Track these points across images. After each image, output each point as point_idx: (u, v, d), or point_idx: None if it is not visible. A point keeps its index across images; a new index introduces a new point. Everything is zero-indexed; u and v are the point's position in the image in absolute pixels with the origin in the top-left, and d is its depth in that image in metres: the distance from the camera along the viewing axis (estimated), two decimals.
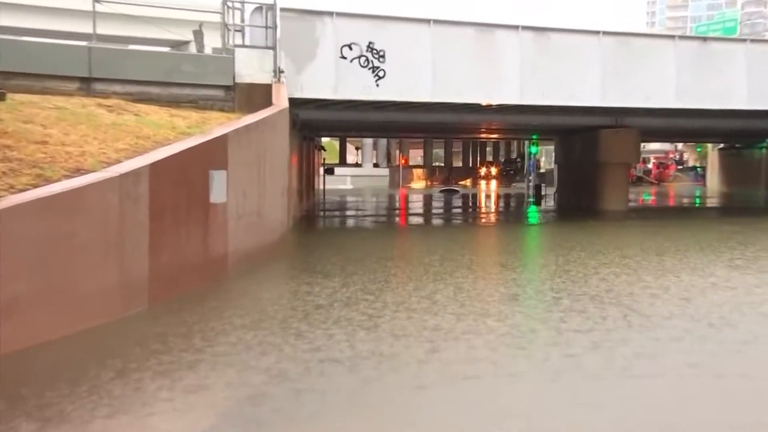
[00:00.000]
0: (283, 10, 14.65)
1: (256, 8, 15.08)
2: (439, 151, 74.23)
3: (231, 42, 14.47)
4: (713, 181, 45.08)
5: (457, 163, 71.95)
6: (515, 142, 67.61)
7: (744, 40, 20.52)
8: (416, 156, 74.72)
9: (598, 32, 18.36)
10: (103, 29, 15.66)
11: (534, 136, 33.64)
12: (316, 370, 5.45)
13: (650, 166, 68.41)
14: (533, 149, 35.51)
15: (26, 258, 5.90)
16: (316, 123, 23.07)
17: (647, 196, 38.63)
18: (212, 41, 16.92)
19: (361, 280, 9.42)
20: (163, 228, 7.81)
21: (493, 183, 59.25)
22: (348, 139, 61.62)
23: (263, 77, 13.99)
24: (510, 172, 61.28)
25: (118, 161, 7.73)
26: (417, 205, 33.47)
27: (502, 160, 69.94)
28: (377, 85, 16.50)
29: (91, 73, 12.52)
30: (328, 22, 16.10)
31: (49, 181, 6.65)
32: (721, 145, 42.17)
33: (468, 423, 4.54)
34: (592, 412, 4.78)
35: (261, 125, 11.23)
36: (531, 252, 14.52)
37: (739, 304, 7.98)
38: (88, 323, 6.42)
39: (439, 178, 63.04)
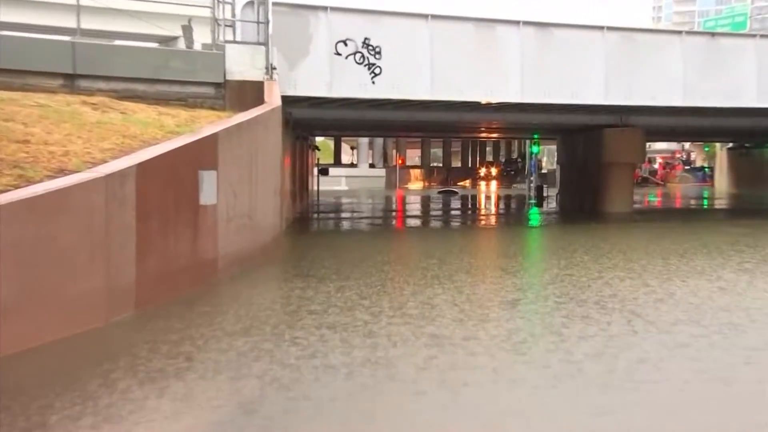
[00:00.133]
0: (275, 4, 14.64)
1: (248, 3, 15.09)
2: (437, 151, 74.24)
3: (221, 38, 14.47)
4: (721, 181, 45.23)
5: (456, 163, 71.99)
6: (516, 142, 67.67)
7: (754, 36, 20.56)
8: (413, 156, 74.72)
9: (602, 28, 18.42)
10: (88, 24, 15.63)
11: (535, 136, 33.65)
12: (310, 376, 5.45)
13: (656, 166, 68.58)
14: (534, 149, 35.53)
15: (6, 262, 5.89)
16: (309, 122, 23.09)
17: (653, 198, 38.71)
18: (202, 37, 16.91)
19: (356, 285, 9.42)
20: (151, 230, 7.80)
21: (493, 184, 59.32)
22: (343, 138, 61.64)
23: (255, 74, 13.99)
24: (510, 172, 61.37)
25: (104, 161, 7.72)
26: (414, 206, 33.49)
27: (503, 160, 70.03)
28: (373, 83, 16.52)
29: (75, 70, 12.51)
30: (322, 17, 16.12)
31: (31, 181, 6.64)
32: (730, 145, 42.30)
33: (467, 429, 4.56)
34: (593, 416, 4.79)
35: (252, 124, 11.23)
36: (532, 255, 14.54)
37: (748, 309, 8.00)
38: (72, 329, 6.41)
39: (438, 178, 63.12)
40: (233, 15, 14.95)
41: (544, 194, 31.10)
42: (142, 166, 7.67)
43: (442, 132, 41.67)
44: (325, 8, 16.14)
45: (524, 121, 23.32)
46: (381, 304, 8.17)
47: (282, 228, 13.88)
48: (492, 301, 8.53)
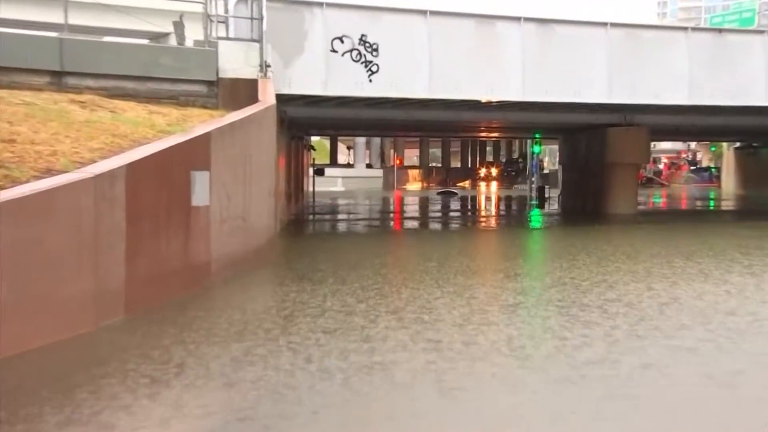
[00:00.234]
0: (269, 0, 14.64)
1: None
2: (436, 151, 74.33)
3: (214, 34, 14.45)
4: (728, 182, 45.32)
5: (455, 163, 72.10)
6: (517, 142, 67.77)
7: (762, 32, 20.59)
8: (412, 156, 74.76)
9: (605, 24, 18.45)
10: (76, 19, 15.62)
11: (537, 135, 33.69)
12: (306, 383, 5.45)
13: (661, 166, 68.72)
14: (536, 149, 35.59)
15: None
16: (305, 121, 23.09)
17: (658, 199, 38.76)
18: (194, 33, 16.89)
19: (353, 288, 9.42)
20: (141, 233, 7.80)
21: (494, 185, 59.41)
22: (339, 138, 61.68)
23: (248, 72, 13.98)
24: (511, 173, 61.46)
25: (93, 161, 7.71)
26: (412, 208, 33.51)
27: (503, 160, 70.15)
28: (370, 81, 16.53)
29: (63, 67, 12.48)
30: (318, 14, 16.13)
31: (16, 182, 6.63)
32: (737, 145, 42.39)
33: None
34: (595, 422, 4.80)
35: (246, 123, 11.22)
36: (533, 258, 14.56)
37: (756, 314, 8.01)
38: (60, 334, 6.40)
39: (436, 179, 63.21)
40: (226, 11, 14.95)
41: (546, 195, 31.12)
42: (132, 167, 7.66)
43: (441, 131, 41.72)
44: (320, 4, 16.15)
45: (525, 120, 23.35)
46: (378, 309, 8.17)
47: (276, 230, 13.86)
48: (492, 306, 8.53)
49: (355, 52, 16.36)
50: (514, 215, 28.80)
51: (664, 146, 67.06)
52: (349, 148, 68.04)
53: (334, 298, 8.74)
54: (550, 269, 11.74)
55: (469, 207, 34.87)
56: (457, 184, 59.63)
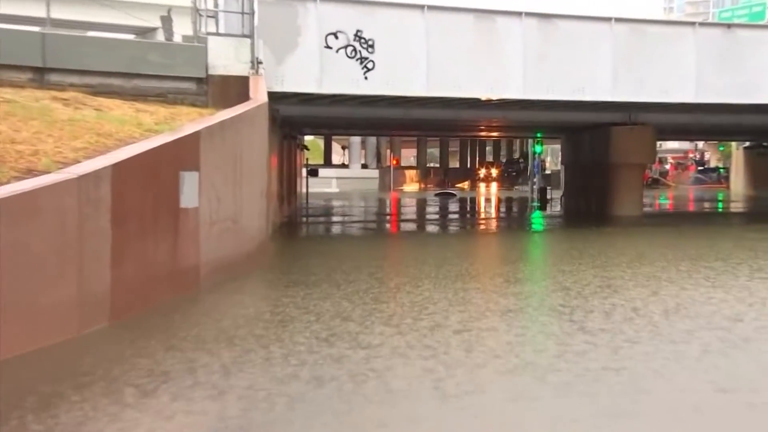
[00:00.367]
0: None
1: None
2: (434, 151, 74.27)
3: (203, 29, 14.45)
4: (737, 183, 45.39)
5: (454, 163, 72.10)
6: (518, 141, 67.75)
7: None
8: (409, 156, 74.68)
9: (609, 19, 18.47)
10: (59, 13, 15.61)
11: (538, 135, 33.78)
12: (298, 394, 5.43)
13: (667, 167, 68.81)
14: (538, 149, 35.69)
15: None
16: (298, 119, 23.09)
17: (664, 201, 38.83)
18: (182, 28, 16.90)
19: (348, 295, 9.41)
20: (128, 236, 7.77)
21: (494, 186, 59.44)
22: (334, 137, 61.63)
23: (239, 68, 13.98)
24: (512, 173, 61.47)
25: (77, 161, 7.69)
26: (410, 210, 33.52)
27: (504, 160, 70.13)
28: (366, 78, 16.52)
29: (45, 63, 12.46)
30: (311, 8, 16.12)
31: None
32: (747, 144, 42.46)
33: None
34: (599, 429, 4.82)
35: (237, 122, 11.21)
36: (535, 262, 14.56)
37: (764, 320, 8.02)
38: (39, 343, 6.36)
39: (434, 180, 63.19)
40: (216, 5, 14.95)
41: (548, 197, 31.16)
42: (118, 167, 7.64)
43: (439, 131, 41.71)
44: None
45: (526, 118, 23.38)
46: (374, 314, 8.16)
47: (269, 233, 13.85)
48: (493, 312, 8.53)
49: (350, 49, 16.36)
50: (514, 217, 28.82)
51: (670, 146, 67.22)
52: (343, 147, 68.01)
53: (328, 304, 8.72)
54: (551, 273, 11.74)
55: (468, 209, 34.89)
56: (456, 186, 59.65)
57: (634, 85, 18.52)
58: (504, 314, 8.35)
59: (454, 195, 45.09)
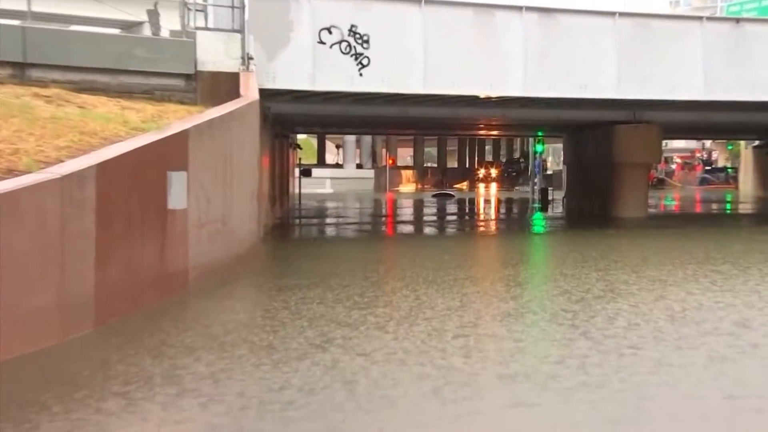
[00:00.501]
0: None
1: None
2: (431, 150, 74.40)
3: (192, 24, 14.43)
4: (746, 183, 45.42)
5: (452, 163, 72.18)
6: (518, 140, 67.94)
7: None
8: (405, 156, 74.84)
9: (613, 14, 18.51)
10: (41, 6, 15.57)
11: (540, 133, 33.79)
12: (290, 401, 5.42)
13: (673, 167, 68.93)
14: (539, 148, 35.70)
15: None
16: (290, 117, 23.08)
17: (670, 202, 38.89)
18: (170, 23, 16.87)
19: (342, 299, 9.40)
20: (113, 238, 7.76)
21: (493, 186, 59.51)
22: (327, 136, 61.66)
23: (229, 65, 13.96)
24: (512, 173, 61.58)
25: (60, 161, 7.67)
26: (406, 211, 33.51)
27: (504, 160, 70.31)
28: (361, 75, 16.52)
29: (26, 58, 12.42)
30: (304, 2, 16.12)
31: None
32: (756, 143, 42.50)
33: None
34: None
35: (227, 120, 11.20)
36: (536, 265, 14.56)
37: None
38: (22, 349, 6.34)
39: (432, 180, 63.27)
40: None
41: (550, 197, 31.16)
42: (102, 167, 7.62)
43: (436, 129, 41.79)
44: None
45: (527, 117, 23.40)
46: (369, 320, 8.15)
47: (260, 235, 13.84)
48: (494, 318, 8.53)
49: (344, 44, 16.35)
50: (515, 219, 28.83)
51: (676, 145, 67.30)
52: (338, 147, 68.04)
53: (321, 308, 8.71)
54: (553, 278, 11.74)
55: (467, 210, 34.90)
56: (454, 186, 59.72)
57: (638, 82, 18.53)
58: (504, 319, 8.36)
59: (452, 196, 45.11)
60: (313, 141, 64.29)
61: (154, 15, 16.53)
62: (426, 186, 59.75)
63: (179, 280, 9.28)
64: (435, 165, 71.22)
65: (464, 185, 62.57)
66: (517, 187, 54.82)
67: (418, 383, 5.87)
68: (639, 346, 7.07)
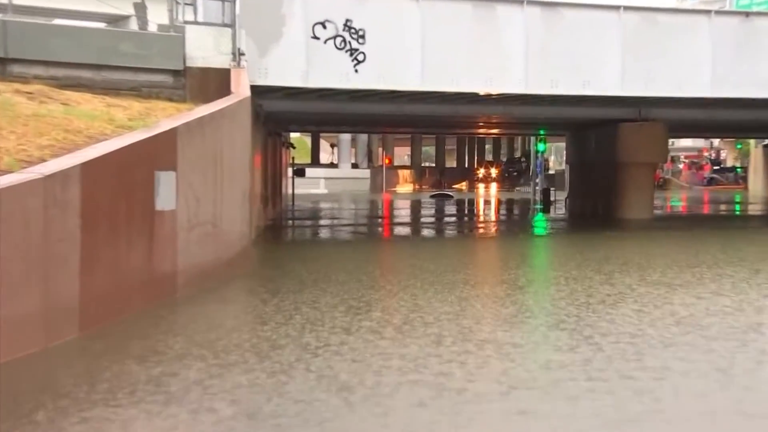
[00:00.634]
0: None
1: None
2: (429, 150, 74.48)
3: (180, 18, 14.44)
4: (756, 183, 45.54)
5: (451, 163, 72.26)
6: (519, 139, 68.05)
7: None
8: (402, 155, 74.90)
9: (618, 7, 18.50)
10: None
11: (541, 132, 33.81)
12: (282, 410, 5.40)
13: (680, 166, 69.05)
14: (540, 147, 35.70)
15: None
16: (283, 115, 23.05)
17: (676, 203, 38.95)
18: (157, 16, 16.86)
19: (336, 305, 9.39)
20: (98, 241, 7.74)
21: (494, 187, 59.63)
22: (322, 134, 61.64)
23: (220, 60, 13.96)
24: (513, 173, 61.71)
25: (42, 160, 7.66)
26: (403, 212, 33.53)
27: (504, 159, 70.39)
28: (356, 71, 16.52)
29: (7, 53, 12.40)
30: None
31: None
32: (766, 141, 42.61)
33: None
34: None
35: (217, 118, 11.19)
36: (538, 269, 14.56)
37: None
38: (1, 356, 6.30)
39: (429, 180, 63.36)
40: None
41: (552, 198, 31.17)
42: (87, 166, 7.61)
43: (434, 127, 41.73)
44: None
45: (529, 114, 23.39)
46: (365, 326, 8.14)
47: (252, 237, 13.83)
48: (492, 321, 8.53)
49: (339, 39, 16.35)
50: (516, 221, 28.86)
51: (683, 144, 67.39)
52: (332, 146, 68.02)
53: (315, 314, 8.70)
54: (556, 281, 11.74)
55: (466, 211, 34.92)
56: (453, 186, 59.80)
57: (644, 79, 18.55)
58: (504, 324, 8.36)
59: (451, 197, 45.14)
60: (307, 140, 64.29)
61: (140, 8, 16.53)
62: (424, 186, 59.82)
63: (168, 285, 9.27)
64: (433, 165, 71.30)
65: (463, 185, 62.66)
66: (518, 188, 54.92)
67: (416, 390, 5.85)
68: (644, 352, 7.07)
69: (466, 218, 31.47)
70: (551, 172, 52.07)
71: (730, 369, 6.57)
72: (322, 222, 27.31)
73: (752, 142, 47.46)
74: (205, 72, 13.80)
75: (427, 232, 24.03)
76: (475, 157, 73.57)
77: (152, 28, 16.03)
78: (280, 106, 19.67)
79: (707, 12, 20.30)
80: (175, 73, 13.71)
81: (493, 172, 65.08)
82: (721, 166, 66.13)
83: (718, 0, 44.28)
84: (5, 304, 6.46)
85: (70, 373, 6.29)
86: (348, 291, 10.36)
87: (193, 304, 9.24)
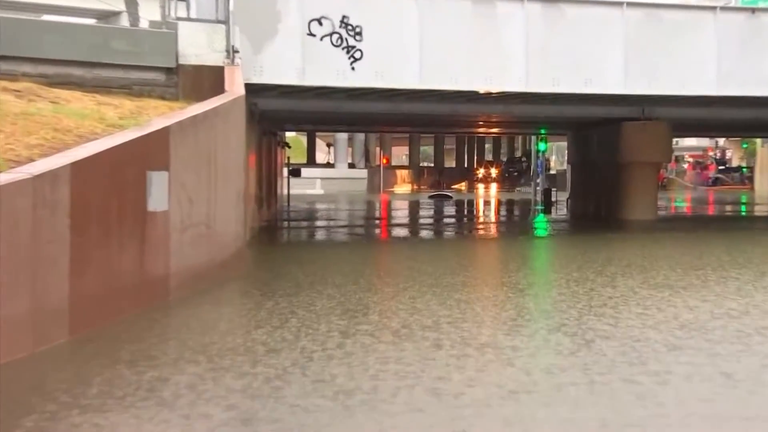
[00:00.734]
0: None
1: None
2: (427, 149, 74.55)
3: (173, 14, 14.41)
4: (763, 183, 45.63)
5: (450, 163, 72.31)
6: (520, 138, 68.12)
7: None
8: (400, 155, 74.94)
9: (621, 3, 18.51)
10: None
11: (542, 131, 33.80)
12: (278, 419, 5.40)
13: (685, 166, 69.12)
14: (541, 146, 35.68)
15: None
16: (278, 114, 23.03)
17: (681, 203, 38.98)
18: (149, 12, 16.85)
19: (333, 308, 9.38)
20: (89, 242, 7.73)
21: (493, 187, 59.67)
22: (318, 134, 61.68)
23: (213, 58, 13.95)
24: (513, 173, 61.78)
25: (31, 160, 7.65)
26: (401, 213, 33.54)
27: (504, 159, 70.44)
28: (353, 69, 16.51)
29: None
30: None
31: None
32: None
33: None
34: None
35: (211, 117, 11.18)
36: (539, 271, 14.57)
37: None
38: None
39: (428, 180, 63.39)
40: None
41: (553, 199, 31.21)
42: (77, 166, 7.60)
43: (433, 127, 41.75)
44: None
45: (529, 113, 23.41)
46: (362, 329, 8.14)
47: (246, 239, 13.82)
48: (492, 325, 8.53)
49: (335, 36, 16.34)
50: (516, 222, 28.88)
51: (687, 143, 67.48)
52: (329, 145, 68.07)
53: (311, 318, 8.69)
54: (557, 284, 11.75)
55: (466, 212, 34.93)
56: (452, 187, 59.82)
57: (647, 77, 18.54)
58: (504, 327, 8.36)
59: (450, 197, 45.14)
60: (303, 139, 64.29)
61: (132, 4, 16.53)
62: (422, 187, 59.85)
63: (160, 287, 9.26)
64: (432, 164, 71.36)
65: (463, 186, 62.68)
66: (518, 188, 54.97)
67: (414, 395, 5.86)
68: (647, 356, 7.07)
69: (465, 219, 31.47)
70: (552, 172, 52.12)
71: (734, 373, 6.57)
72: (318, 223, 27.32)
73: (758, 141, 47.56)
74: (199, 69, 13.79)
75: (425, 234, 24.03)
76: (475, 157, 73.63)
77: (144, 24, 16.03)
78: (276, 104, 19.66)
79: (712, 8, 20.23)
80: (168, 70, 13.70)
81: (493, 172, 65.13)
82: (727, 165, 66.19)
83: None
84: None
85: (59, 378, 6.28)
86: (345, 294, 10.37)
87: (186, 307, 9.24)
